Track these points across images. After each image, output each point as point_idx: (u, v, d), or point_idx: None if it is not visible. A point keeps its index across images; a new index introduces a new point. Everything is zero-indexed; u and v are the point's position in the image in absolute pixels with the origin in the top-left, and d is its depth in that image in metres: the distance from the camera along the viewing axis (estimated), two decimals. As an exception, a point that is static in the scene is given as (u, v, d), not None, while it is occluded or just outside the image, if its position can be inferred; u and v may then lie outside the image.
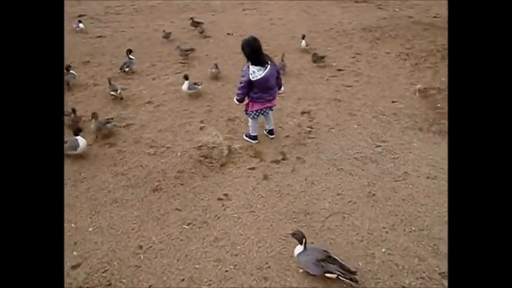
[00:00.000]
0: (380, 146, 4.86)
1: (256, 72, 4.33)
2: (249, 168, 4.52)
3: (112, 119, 5.37)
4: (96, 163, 4.68)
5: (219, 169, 4.53)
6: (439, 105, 5.80)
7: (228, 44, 8.51)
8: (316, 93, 6.32)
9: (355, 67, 7.24)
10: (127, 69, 7.02)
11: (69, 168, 4.59)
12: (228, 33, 9.13)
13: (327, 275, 2.98)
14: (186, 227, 3.70)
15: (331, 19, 10.13)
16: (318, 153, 4.75)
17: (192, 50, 7.72)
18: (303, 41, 7.70)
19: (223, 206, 3.95)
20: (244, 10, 11.25)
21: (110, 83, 6.20)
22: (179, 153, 4.85)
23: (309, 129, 5.30)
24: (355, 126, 5.35)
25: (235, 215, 3.82)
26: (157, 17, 10.68)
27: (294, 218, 3.73)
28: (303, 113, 5.74)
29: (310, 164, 4.56)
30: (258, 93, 4.54)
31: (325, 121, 5.49)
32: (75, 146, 4.56)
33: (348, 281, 2.94)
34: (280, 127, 5.37)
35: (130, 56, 7.08)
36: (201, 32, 8.82)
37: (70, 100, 6.09)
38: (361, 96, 6.18)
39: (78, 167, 4.60)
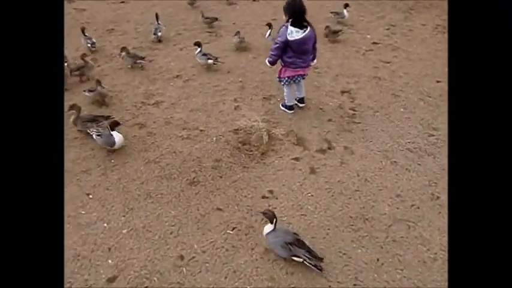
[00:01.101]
0: (433, 135, 3.97)
1: (295, 33, 3.77)
2: (293, 159, 3.69)
3: (102, 117, 3.98)
4: (126, 147, 3.87)
5: (259, 159, 3.71)
6: (489, 86, 4.81)
7: (255, 12, 7.34)
8: (354, 69, 5.32)
9: (391, 40, 6.13)
10: (159, 33, 6.06)
11: (99, 153, 3.79)
12: (254, 0, 7.90)
13: (294, 258, 2.59)
14: (231, 232, 2.95)
15: (358, -14, 8.75)
16: (366, 142, 3.89)
17: (215, 19, 6.57)
18: (345, 11, 6.49)
19: (269, 206, 3.17)
20: (267, -26, 9.82)
21: (128, 53, 5.24)
22: (214, 138, 4.01)
23: (351, 111, 4.39)
24: (402, 110, 4.42)
25: (285, 218, 3.05)
26: (180, -20, 9.33)
27: (352, 225, 2.96)
28: (342, 92, 4.79)
29: (359, 155, 3.71)
30: (293, 58, 3.90)
31: (367, 103, 4.56)
32: (111, 143, 3.65)
33: (313, 267, 2.54)
34: (321, 108, 4.46)
35: (159, 22, 6.09)
36: (227, -2, 7.61)
37: (96, 73, 5.16)
38: (402, 75, 5.18)
39: (108, 152, 3.80)
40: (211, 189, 3.36)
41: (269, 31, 5.64)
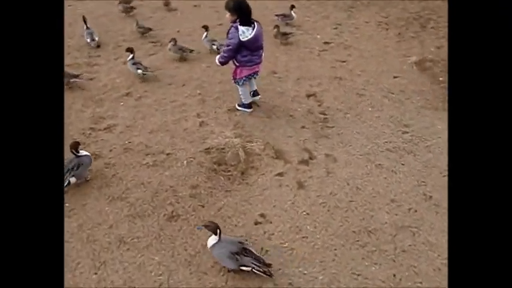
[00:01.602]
0: (407, 132, 3.97)
1: (246, 32, 3.69)
2: (277, 174, 3.41)
3: None
4: (81, 185, 3.26)
5: (241, 179, 3.37)
6: (441, 78, 5.00)
7: (198, 17, 6.91)
8: (313, 71, 5.21)
9: (341, 39, 6.16)
10: (97, 38, 5.59)
11: (46, 197, 3.13)
12: (195, 5, 7.46)
13: (242, 268, 2.46)
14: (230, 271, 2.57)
15: (296, -14, 8.76)
16: (345, 147, 3.76)
17: (149, 29, 6.01)
18: (292, 12, 6.36)
19: (265, 233, 2.85)
20: (202, -22, 9.41)
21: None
22: (185, 162, 3.57)
23: (322, 116, 4.24)
24: (370, 109, 4.39)
25: (286, 244, 2.75)
26: (107, -13, 8.51)
27: (358, 241, 2.76)
28: (308, 96, 4.63)
29: (343, 162, 3.55)
30: (248, 56, 3.86)
31: (335, 105, 4.46)
32: (89, 163, 3.25)
33: (262, 274, 2.41)
34: (291, 115, 4.25)
35: (88, 26, 5.52)
36: (167, 5, 7.07)
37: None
38: (360, 73, 5.18)
39: (59, 194, 3.16)
40: (195, 223, 2.94)
41: (205, 33, 5.45)
